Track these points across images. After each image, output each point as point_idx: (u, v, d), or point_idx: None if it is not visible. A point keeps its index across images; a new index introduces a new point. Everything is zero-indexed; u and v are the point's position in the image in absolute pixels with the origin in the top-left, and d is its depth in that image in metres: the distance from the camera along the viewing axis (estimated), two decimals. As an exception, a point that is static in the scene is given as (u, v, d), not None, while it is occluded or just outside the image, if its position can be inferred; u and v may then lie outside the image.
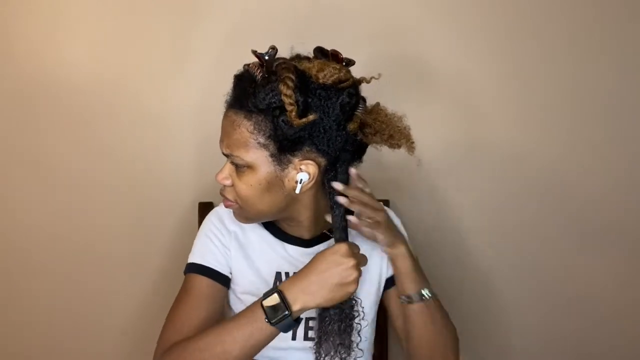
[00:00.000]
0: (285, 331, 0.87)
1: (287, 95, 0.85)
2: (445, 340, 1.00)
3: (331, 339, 0.93)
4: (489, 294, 1.42)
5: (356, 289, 0.89)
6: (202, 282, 1.00)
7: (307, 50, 0.97)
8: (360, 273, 0.89)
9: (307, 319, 1.02)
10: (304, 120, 0.86)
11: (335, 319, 0.93)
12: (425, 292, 0.97)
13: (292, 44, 0.97)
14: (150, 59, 1.34)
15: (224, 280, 1.02)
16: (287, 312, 0.85)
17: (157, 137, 1.36)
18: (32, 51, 1.32)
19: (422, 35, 1.35)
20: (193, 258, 1.02)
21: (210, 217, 1.05)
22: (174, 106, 1.35)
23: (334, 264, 0.87)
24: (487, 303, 1.42)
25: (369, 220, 0.94)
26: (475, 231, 1.40)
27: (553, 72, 1.35)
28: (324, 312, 0.94)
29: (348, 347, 0.94)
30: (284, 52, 0.96)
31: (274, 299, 0.85)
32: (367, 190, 0.96)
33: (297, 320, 0.87)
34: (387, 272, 1.06)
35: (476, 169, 1.38)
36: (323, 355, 0.94)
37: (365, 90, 0.98)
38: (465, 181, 1.38)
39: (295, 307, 0.85)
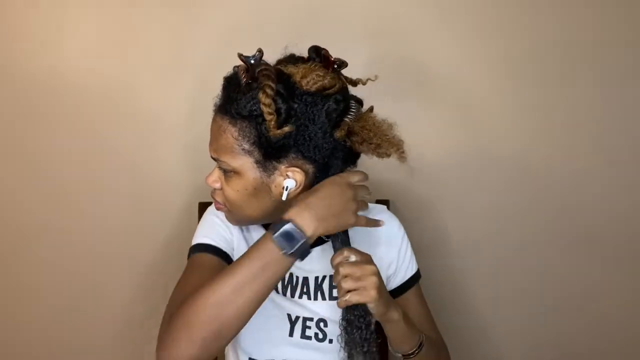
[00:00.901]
0: (302, 259, 0.84)
1: (266, 104, 0.83)
2: None
3: (358, 348, 0.90)
4: (488, 296, 1.39)
5: (355, 221, 0.88)
6: (212, 260, 0.97)
7: (304, 50, 0.94)
8: (358, 205, 0.88)
9: (305, 319, 1.01)
10: (279, 132, 0.84)
11: (359, 327, 0.90)
12: (419, 344, 0.95)
13: (288, 44, 0.95)
14: (149, 59, 1.35)
15: (231, 263, 0.98)
16: (305, 239, 0.82)
17: (155, 137, 1.37)
18: (30, 51, 1.35)
19: (423, 36, 1.31)
20: (199, 239, 1.00)
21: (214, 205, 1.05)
22: (173, 105, 1.35)
23: (338, 194, 0.86)
24: (486, 305, 1.39)
25: (348, 294, 0.87)
26: (475, 233, 1.36)
27: (557, 74, 1.29)
28: (348, 323, 0.90)
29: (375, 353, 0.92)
30: (279, 52, 0.94)
31: (288, 230, 0.82)
32: (352, 258, 0.88)
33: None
34: (389, 281, 1.05)
35: (477, 170, 1.34)
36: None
37: (364, 91, 0.95)
38: (466, 183, 1.35)
39: (308, 233, 0.83)
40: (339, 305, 0.87)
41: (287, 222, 0.83)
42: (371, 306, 0.87)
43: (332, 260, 0.89)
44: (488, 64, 1.30)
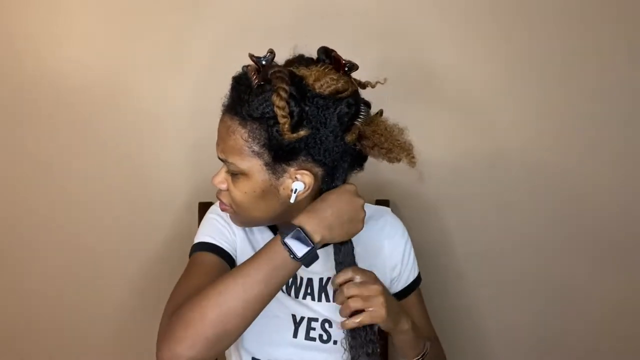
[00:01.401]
0: (308, 265, 0.85)
1: (280, 107, 0.82)
2: None
3: (363, 350, 0.91)
4: (490, 298, 1.40)
5: (362, 228, 0.90)
6: (213, 259, 0.96)
7: (312, 50, 0.93)
8: (365, 213, 0.90)
9: (310, 319, 1.01)
10: (294, 135, 0.83)
11: (364, 328, 0.91)
12: (425, 351, 0.96)
13: (294, 44, 0.94)
14: (150, 59, 1.34)
15: (232, 263, 0.99)
16: (313, 246, 0.83)
17: (156, 137, 1.36)
18: (29, 52, 1.33)
19: (430, 38, 1.31)
20: (201, 238, 1.00)
21: (218, 204, 1.03)
22: (174, 105, 1.34)
23: (346, 203, 0.88)
24: (485, 306, 1.41)
25: (359, 317, 0.88)
26: (476, 233, 1.37)
27: (564, 78, 1.30)
28: (354, 331, 0.91)
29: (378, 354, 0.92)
30: (287, 52, 0.93)
31: (297, 235, 0.83)
32: (358, 279, 0.89)
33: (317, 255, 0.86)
34: (392, 287, 1.05)
35: (479, 171, 1.35)
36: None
37: (370, 93, 0.94)
38: (467, 183, 1.36)
39: (316, 240, 0.84)
40: (346, 326, 0.88)
41: (297, 227, 0.84)
42: (382, 325, 0.88)
43: (335, 279, 0.90)
44: (493, 66, 1.31)
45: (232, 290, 0.81)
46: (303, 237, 0.83)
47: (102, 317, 1.43)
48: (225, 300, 0.80)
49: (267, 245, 0.85)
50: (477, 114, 1.33)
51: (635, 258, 1.34)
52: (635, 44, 1.28)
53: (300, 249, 0.83)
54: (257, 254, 0.85)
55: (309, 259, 0.84)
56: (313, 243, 0.83)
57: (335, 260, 0.92)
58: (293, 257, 0.83)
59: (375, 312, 0.87)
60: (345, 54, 0.91)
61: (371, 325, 0.90)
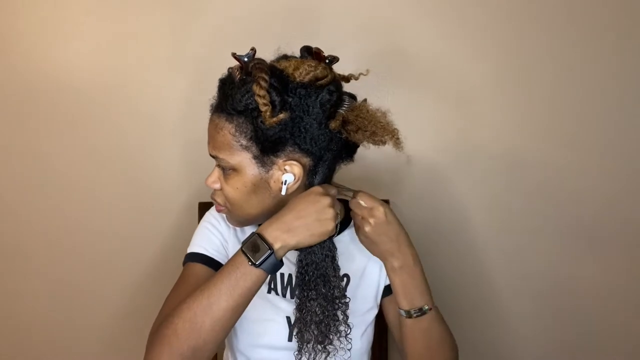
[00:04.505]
0: (271, 272, 0.85)
1: (261, 95, 0.84)
2: (443, 355, 0.96)
3: (311, 329, 0.92)
4: (487, 296, 1.38)
5: (334, 227, 0.88)
6: (202, 270, 0.99)
7: (296, 50, 0.96)
8: (336, 211, 0.88)
9: None
10: (274, 119, 0.84)
11: (315, 311, 0.92)
12: (425, 307, 0.94)
13: (281, 44, 0.97)
14: (148, 59, 1.36)
15: None
16: (270, 251, 0.84)
17: (155, 137, 1.37)
18: (27, 52, 1.36)
19: (419, 31, 1.33)
20: (192, 248, 1.02)
21: (211, 211, 1.06)
22: (172, 105, 1.36)
23: (309, 203, 0.87)
24: (484, 305, 1.38)
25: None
26: (474, 232, 1.36)
27: (552, 69, 1.30)
28: (302, 303, 0.93)
29: (326, 337, 0.92)
30: (272, 53, 0.95)
31: (254, 242, 0.84)
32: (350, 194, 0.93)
33: (281, 261, 0.86)
34: (385, 279, 1.03)
35: (475, 168, 1.34)
36: (305, 344, 0.93)
37: (359, 87, 0.96)
38: (465, 181, 1.35)
39: (276, 246, 0.84)
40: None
41: (255, 235, 0.85)
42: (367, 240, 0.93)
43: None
44: (484, 60, 1.31)
45: (200, 304, 0.83)
46: (260, 243, 0.84)
47: (102, 319, 1.43)
48: (194, 314, 0.82)
49: (232, 256, 0.87)
50: (472, 108, 1.33)
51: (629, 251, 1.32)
52: (629, 41, 1.29)
53: (257, 256, 0.84)
54: (223, 266, 0.86)
55: (270, 265, 0.84)
56: (271, 249, 0.84)
57: (300, 261, 0.93)
58: (252, 264, 0.84)
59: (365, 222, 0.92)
60: (336, 50, 0.94)
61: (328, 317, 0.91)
